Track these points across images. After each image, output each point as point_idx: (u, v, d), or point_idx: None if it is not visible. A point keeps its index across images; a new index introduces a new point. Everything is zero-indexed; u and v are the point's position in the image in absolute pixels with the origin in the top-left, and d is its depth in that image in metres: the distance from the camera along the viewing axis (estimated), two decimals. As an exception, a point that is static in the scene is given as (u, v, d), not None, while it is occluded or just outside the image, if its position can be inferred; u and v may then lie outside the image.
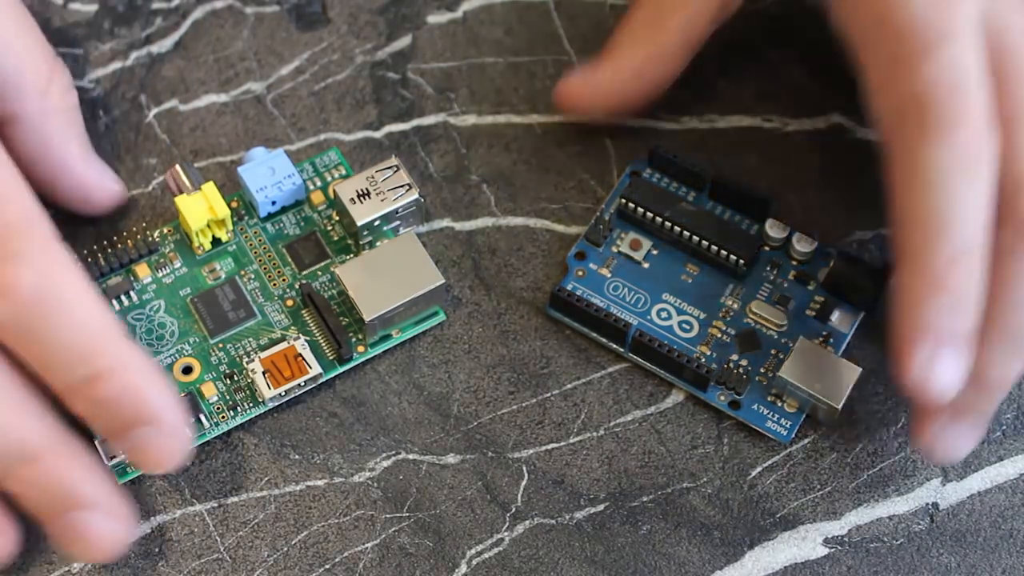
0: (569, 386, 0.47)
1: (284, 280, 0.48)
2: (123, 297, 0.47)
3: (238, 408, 0.46)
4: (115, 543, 0.41)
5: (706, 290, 0.48)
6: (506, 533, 0.45)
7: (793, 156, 0.51)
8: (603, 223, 0.49)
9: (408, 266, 0.46)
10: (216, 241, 0.48)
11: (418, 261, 0.47)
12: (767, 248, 0.49)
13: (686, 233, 0.48)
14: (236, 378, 0.46)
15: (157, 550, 0.44)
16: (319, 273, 0.48)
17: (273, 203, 0.48)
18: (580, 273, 0.49)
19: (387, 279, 0.46)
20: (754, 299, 0.48)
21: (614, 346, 0.47)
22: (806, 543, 0.45)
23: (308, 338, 0.47)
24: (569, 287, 0.48)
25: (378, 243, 0.48)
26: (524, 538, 0.45)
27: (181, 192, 0.48)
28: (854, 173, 0.50)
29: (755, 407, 0.46)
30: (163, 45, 0.52)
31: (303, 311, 0.47)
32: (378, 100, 0.52)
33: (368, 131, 0.51)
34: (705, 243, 0.48)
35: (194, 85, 0.52)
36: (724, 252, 0.48)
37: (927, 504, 0.45)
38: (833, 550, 0.45)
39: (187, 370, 0.46)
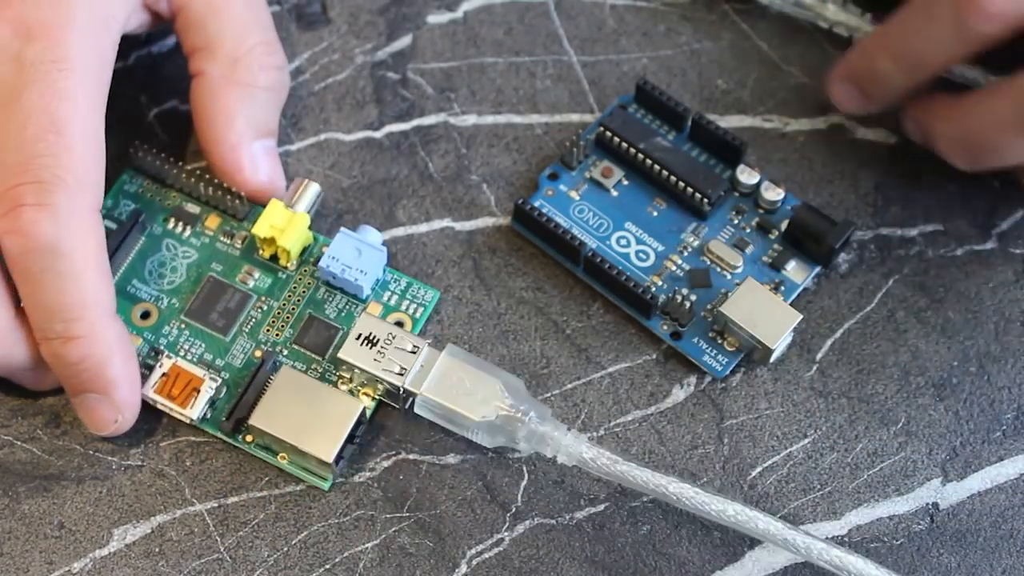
0: (569, 386, 0.47)
1: (278, 335, 0.47)
2: (179, 223, 0.48)
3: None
4: (114, 429, 0.45)
5: (669, 225, 0.49)
6: (506, 533, 0.45)
7: (793, 156, 0.51)
8: (579, 148, 0.49)
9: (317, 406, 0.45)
10: (274, 258, 0.48)
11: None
12: (736, 193, 0.49)
13: (657, 167, 0.49)
14: (158, 357, 0.46)
15: (157, 550, 0.44)
16: (312, 356, 0.47)
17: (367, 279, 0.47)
18: (549, 192, 0.49)
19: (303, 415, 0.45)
20: (714, 239, 0.48)
21: (568, 265, 0.48)
22: (806, 543, 0.45)
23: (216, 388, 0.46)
24: (536, 203, 0.49)
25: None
26: (524, 538, 0.45)
27: (290, 204, 0.47)
28: (854, 173, 0.50)
29: (695, 340, 0.47)
30: (163, 45, 0.52)
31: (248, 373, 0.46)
32: (378, 100, 0.52)
33: (368, 131, 0.51)
34: (674, 179, 0.49)
35: (194, 85, 0.52)
36: (690, 190, 0.48)
37: (927, 504, 0.45)
38: (833, 550, 0.45)
39: (145, 315, 0.47)
